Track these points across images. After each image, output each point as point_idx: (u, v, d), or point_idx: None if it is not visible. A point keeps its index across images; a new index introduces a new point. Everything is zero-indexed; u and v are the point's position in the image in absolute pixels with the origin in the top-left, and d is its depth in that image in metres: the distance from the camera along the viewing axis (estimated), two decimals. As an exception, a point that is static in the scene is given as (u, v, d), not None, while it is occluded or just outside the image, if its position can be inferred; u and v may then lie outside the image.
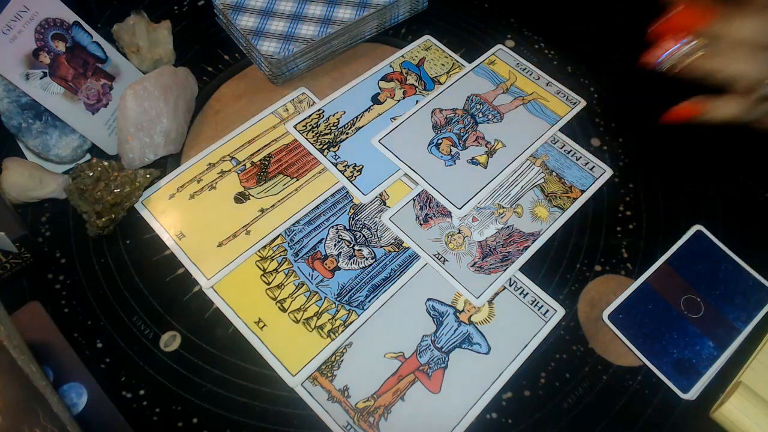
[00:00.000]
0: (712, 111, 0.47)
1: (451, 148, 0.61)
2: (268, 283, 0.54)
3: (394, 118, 0.63)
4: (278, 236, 0.56)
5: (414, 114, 0.63)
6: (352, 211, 0.58)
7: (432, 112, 0.63)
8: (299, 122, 0.63)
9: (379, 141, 0.61)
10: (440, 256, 0.55)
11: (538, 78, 0.67)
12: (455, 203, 0.57)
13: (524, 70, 0.67)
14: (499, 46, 0.69)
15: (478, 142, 0.62)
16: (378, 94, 0.65)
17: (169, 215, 0.57)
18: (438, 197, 0.58)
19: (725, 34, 0.45)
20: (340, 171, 0.60)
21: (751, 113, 0.47)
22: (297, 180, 0.59)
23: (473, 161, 0.60)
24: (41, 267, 0.54)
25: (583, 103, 0.65)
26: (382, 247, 0.56)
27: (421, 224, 0.57)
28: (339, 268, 0.54)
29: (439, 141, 0.61)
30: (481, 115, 0.64)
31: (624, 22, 0.68)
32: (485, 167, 0.60)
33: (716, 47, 0.46)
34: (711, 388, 0.50)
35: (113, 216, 0.54)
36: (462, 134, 0.62)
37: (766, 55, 0.45)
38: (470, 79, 0.66)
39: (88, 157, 0.60)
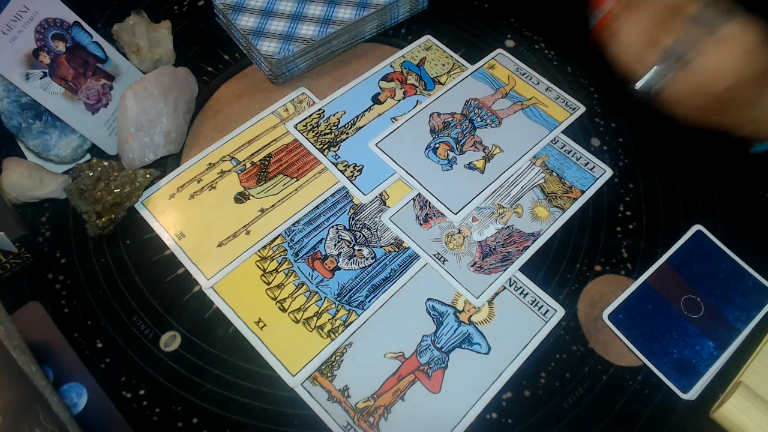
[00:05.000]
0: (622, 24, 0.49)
1: (449, 152, 0.61)
2: (268, 283, 0.54)
3: (394, 118, 0.64)
4: (278, 236, 0.56)
5: (411, 118, 0.63)
6: (352, 211, 0.58)
7: (430, 116, 0.63)
8: (300, 122, 0.63)
9: (375, 144, 0.61)
10: (440, 256, 0.55)
11: (538, 83, 0.67)
12: (451, 208, 0.57)
13: (524, 74, 0.67)
14: (499, 50, 0.69)
15: (476, 147, 0.62)
16: (378, 94, 0.65)
17: (169, 215, 0.57)
18: (434, 202, 0.58)
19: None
20: (341, 171, 0.60)
21: (655, 69, 0.49)
22: (297, 180, 0.59)
23: (470, 166, 0.60)
24: (41, 267, 0.54)
25: (582, 109, 0.65)
26: (382, 247, 0.56)
27: (421, 224, 0.57)
28: (339, 268, 0.54)
29: (437, 145, 0.61)
30: (479, 119, 0.64)
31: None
32: (482, 172, 0.60)
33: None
34: (711, 388, 0.50)
35: (113, 216, 0.54)
36: (460, 139, 0.62)
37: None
38: (469, 83, 0.66)
39: (88, 157, 0.60)
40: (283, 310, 0.52)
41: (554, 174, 0.60)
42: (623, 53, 0.50)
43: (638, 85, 0.49)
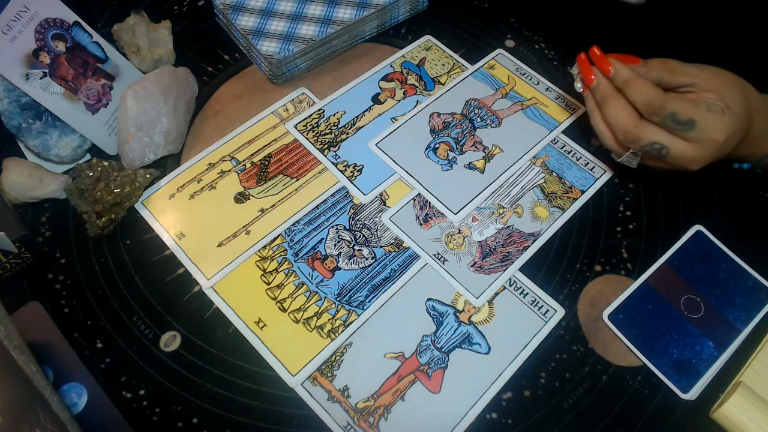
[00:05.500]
0: (603, 102, 0.48)
1: (449, 152, 0.61)
2: (268, 283, 0.54)
3: (394, 118, 0.64)
4: (278, 236, 0.56)
5: (411, 118, 0.63)
6: (352, 211, 0.58)
7: (430, 116, 0.63)
8: (300, 122, 0.63)
9: (375, 144, 0.61)
10: (440, 256, 0.55)
11: (538, 83, 0.67)
12: (451, 208, 0.57)
13: (524, 74, 0.67)
14: (499, 50, 0.69)
15: (476, 147, 0.62)
16: (378, 94, 0.65)
17: (169, 215, 0.57)
18: (434, 202, 0.58)
19: (624, 83, 0.47)
20: (341, 171, 0.60)
21: (623, 153, 0.50)
22: (297, 180, 0.59)
23: (470, 166, 0.60)
24: (41, 267, 0.54)
25: (582, 109, 0.65)
26: (382, 247, 0.56)
27: (421, 224, 0.57)
28: (339, 268, 0.54)
29: (437, 145, 0.61)
30: (479, 119, 0.64)
31: (624, 22, 0.68)
32: (482, 172, 0.60)
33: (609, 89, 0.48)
34: (711, 388, 0.50)
35: (113, 216, 0.54)
36: (460, 139, 0.62)
37: (644, 123, 0.47)
38: (469, 83, 0.66)
39: (88, 157, 0.60)
40: (283, 310, 0.52)
41: (554, 174, 0.60)
42: (600, 140, 0.51)
43: (617, 159, 0.51)
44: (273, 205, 0.58)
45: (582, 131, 0.64)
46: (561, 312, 0.53)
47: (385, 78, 0.67)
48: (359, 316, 0.52)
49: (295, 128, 0.62)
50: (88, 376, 0.48)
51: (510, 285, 0.54)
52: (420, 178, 0.59)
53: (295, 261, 0.55)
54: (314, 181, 0.59)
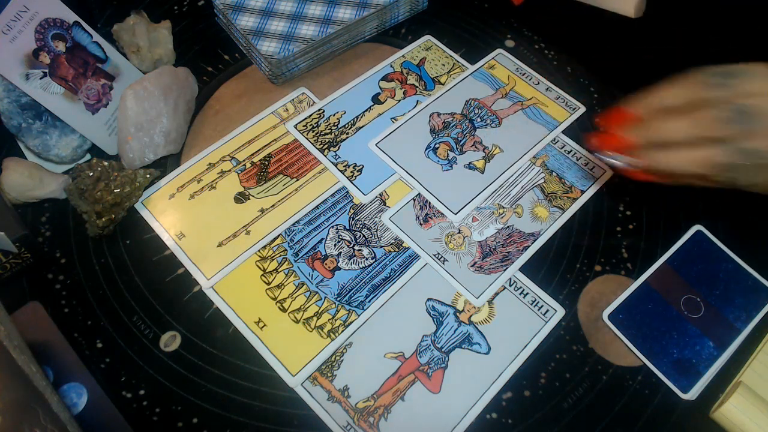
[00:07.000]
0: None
1: (449, 152, 0.61)
2: (268, 283, 0.54)
3: (394, 118, 0.64)
4: (278, 236, 0.56)
5: (411, 118, 0.63)
6: (352, 211, 0.58)
7: (430, 116, 0.63)
8: (300, 122, 0.63)
9: (375, 144, 0.61)
10: (440, 256, 0.55)
11: (538, 83, 0.67)
12: (451, 208, 0.57)
13: (524, 74, 0.67)
14: (499, 50, 0.69)
15: (476, 147, 0.62)
16: (378, 94, 0.65)
17: (169, 215, 0.57)
18: (434, 202, 0.58)
19: (660, 134, 0.43)
20: (341, 171, 0.60)
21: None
22: (297, 180, 0.59)
23: (470, 166, 0.60)
24: (41, 267, 0.54)
25: (582, 109, 0.65)
26: (382, 247, 0.56)
27: (421, 224, 0.57)
28: (339, 268, 0.54)
29: (437, 145, 0.61)
30: (479, 119, 0.64)
31: (623, 23, 0.68)
32: (482, 172, 0.60)
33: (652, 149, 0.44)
34: (711, 388, 0.50)
35: (113, 216, 0.54)
36: (460, 139, 0.62)
37: (701, 148, 0.43)
38: (469, 83, 0.66)
39: (88, 157, 0.60)
40: (283, 310, 0.52)
41: (554, 174, 0.60)
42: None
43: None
44: (273, 205, 0.58)
45: (582, 131, 0.64)
46: (561, 312, 0.53)
47: (385, 78, 0.67)
48: (359, 316, 0.52)
49: (295, 128, 0.62)
50: (88, 376, 0.48)
51: (510, 285, 0.54)
52: (420, 178, 0.59)
53: (295, 261, 0.55)
54: (314, 181, 0.59)
